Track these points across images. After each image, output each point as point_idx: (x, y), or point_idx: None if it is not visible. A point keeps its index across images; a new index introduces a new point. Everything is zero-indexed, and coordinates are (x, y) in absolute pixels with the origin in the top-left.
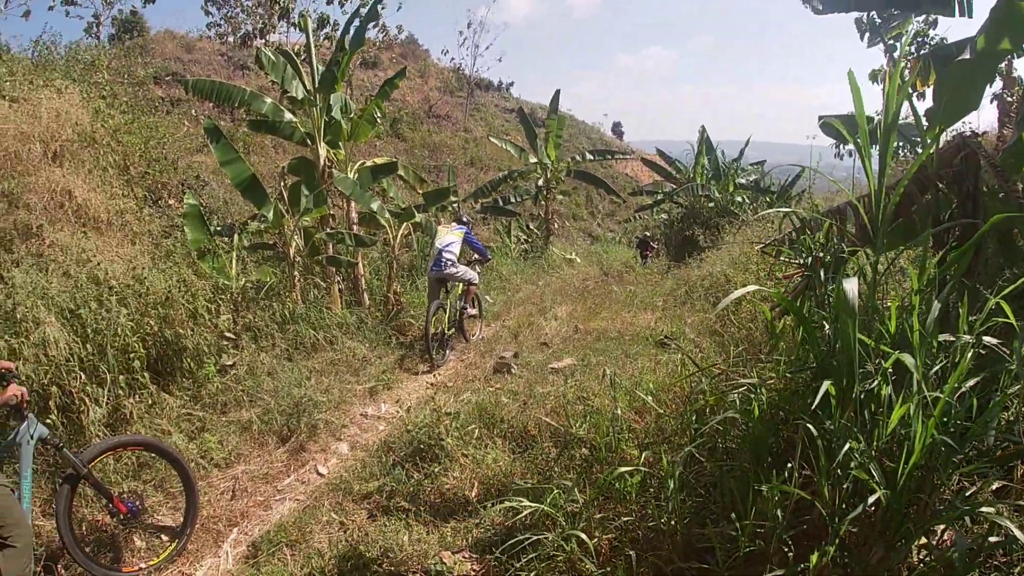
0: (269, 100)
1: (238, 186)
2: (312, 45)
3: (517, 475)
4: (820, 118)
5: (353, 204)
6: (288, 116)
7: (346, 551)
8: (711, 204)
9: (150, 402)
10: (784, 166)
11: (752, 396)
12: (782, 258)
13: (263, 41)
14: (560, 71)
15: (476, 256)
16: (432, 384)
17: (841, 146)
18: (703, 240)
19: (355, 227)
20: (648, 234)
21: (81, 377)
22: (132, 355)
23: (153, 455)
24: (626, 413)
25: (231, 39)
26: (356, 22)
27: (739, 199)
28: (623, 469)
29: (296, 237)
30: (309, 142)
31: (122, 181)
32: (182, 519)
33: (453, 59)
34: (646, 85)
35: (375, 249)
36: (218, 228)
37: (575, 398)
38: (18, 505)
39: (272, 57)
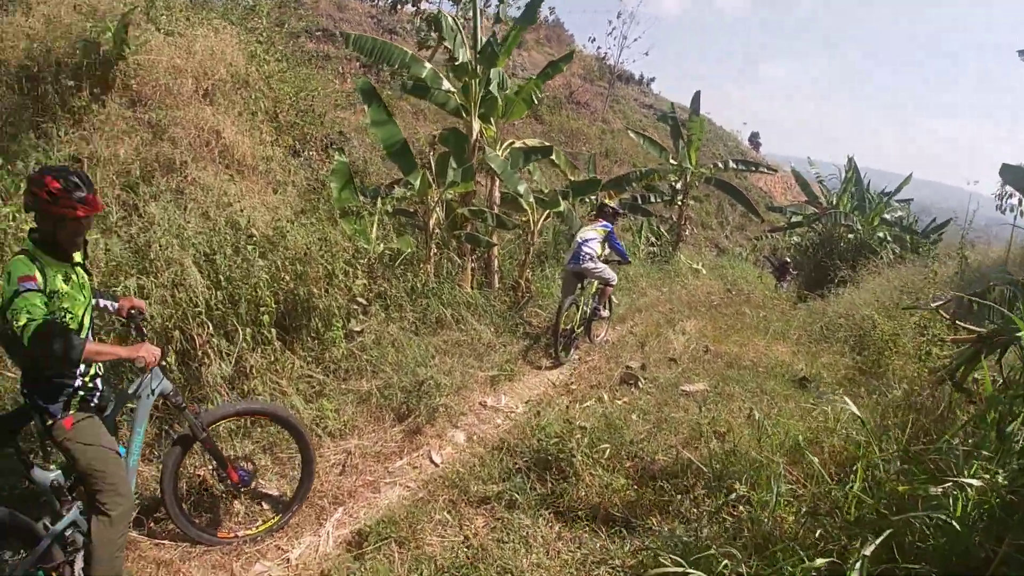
0: (429, 65)
1: (387, 149)
2: (478, 14)
3: (645, 505)
4: (1004, 166)
5: (497, 183)
6: (446, 84)
7: (461, 564)
8: (851, 236)
9: (271, 359)
10: (932, 206)
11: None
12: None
13: (414, 8)
14: (702, 71)
15: (615, 257)
16: (554, 384)
17: (1005, 198)
18: (841, 273)
19: (496, 207)
20: (789, 259)
21: (209, 326)
22: (263, 309)
23: (277, 426)
24: (788, 470)
25: (382, 3)
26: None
27: (881, 235)
28: (819, 563)
29: (438, 209)
30: (464, 114)
31: (271, 128)
32: (291, 493)
33: (599, 47)
34: (788, 96)
35: (510, 232)
36: (361, 189)
37: (711, 431)
38: (124, 473)
39: (452, 22)
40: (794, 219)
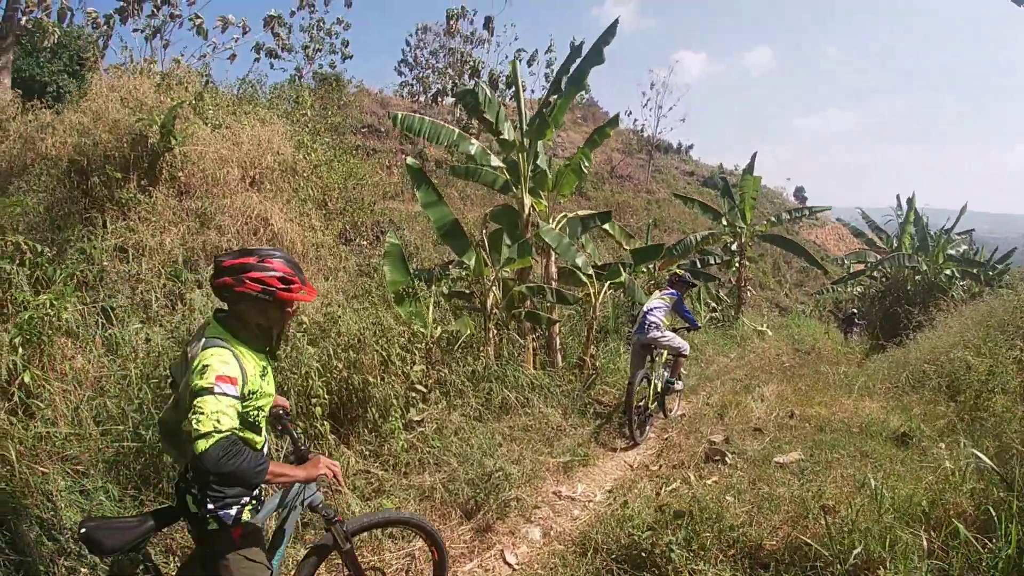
0: (476, 143)
1: (439, 230)
2: (520, 88)
3: None
4: None
5: (553, 258)
6: (495, 160)
7: None
8: (917, 277)
9: (327, 454)
10: (990, 237)
11: None
12: None
13: (453, 100)
14: (738, 134)
15: (684, 325)
16: (632, 466)
17: None
18: (912, 317)
19: (554, 282)
20: (855, 311)
21: None
22: (315, 400)
23: (414, 532)
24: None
25: (423, 98)
26: (576, 62)
27: (948, 272)
28: None
29: (495, 288)
30: (514, 189)
31: (320, 215)
32: None
33: (636, 119)
34: (827, 149)
35: (569, 307)
36: (416, 272)
37: (818, 506)
38: None
39: (488, 93)
40: (854, 268)
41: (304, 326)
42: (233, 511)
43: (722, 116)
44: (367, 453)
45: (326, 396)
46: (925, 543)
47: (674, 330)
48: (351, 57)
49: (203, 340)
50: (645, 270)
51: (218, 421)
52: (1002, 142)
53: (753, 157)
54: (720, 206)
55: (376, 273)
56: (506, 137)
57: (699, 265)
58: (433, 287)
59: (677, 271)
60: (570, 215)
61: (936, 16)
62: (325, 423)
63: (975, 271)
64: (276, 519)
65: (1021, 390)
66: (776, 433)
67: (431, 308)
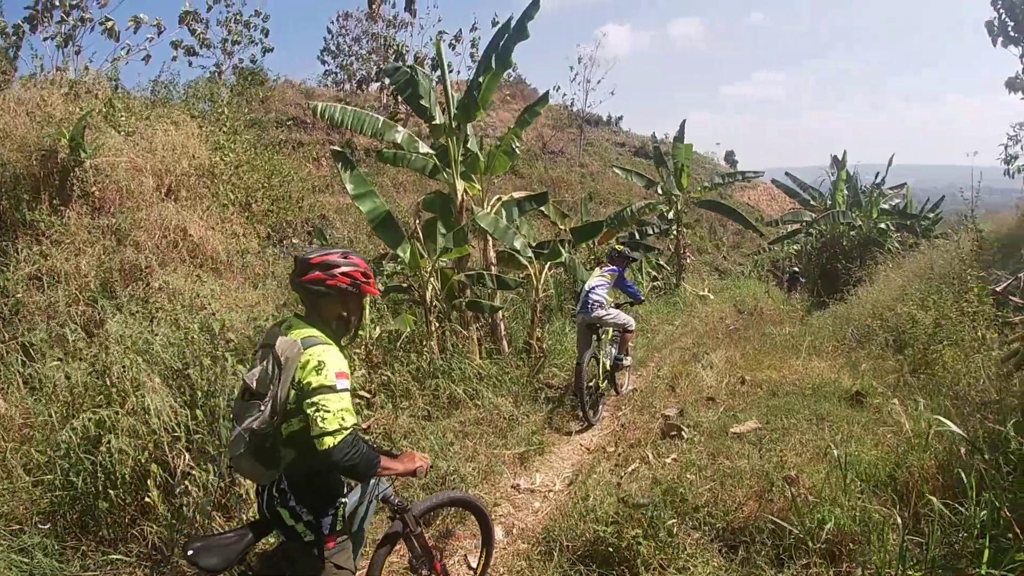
0: (403, 130)
1: (372, 222)
2: (446, 69)
3: None
4: (1014, 127)
5: (491, 243)
6: (423, 147)
7: None
8: (852, 232)
9: None
10: (921, 189)
11: None
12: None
13: (378, 85)
14: (667, 104)
15: (627, 300)
16: (589, 449)
17: (1012, 162)
18: (852, 273)
19: (493, 267)
20: (796, 269)
21: (186, 456)
22: None
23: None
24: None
25: (348, 86)
26: (502, 40)
27: (883, 226)
28: None
29: (433, 280)
30: (445, 174)
31: (243, 219)
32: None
33: (565, 94)
34: (758, 113)
35: (511, 292)
36: None
37: (780, 478)
38: None
39: (427, 73)
40: (792, 228)
41: (232, 344)
42: (329, 519)
43: (650, 87)
44: None
45: None
46: (899, 520)
47: (618, 306)
48: (271, 50)
49: (296, 340)
50: (586, 246)
51: (343, 418)
52: (932, 93)
53: (682, 125)
54: (655, 175)
55: None
56: (437, 121)
57: (638, 236)
58: None
59: (616, 246)
60: (505, 198)
61: None
62: None
63: (909, 223)
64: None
65: (971, 342)
66: (730, 401)
67: (367, 307)
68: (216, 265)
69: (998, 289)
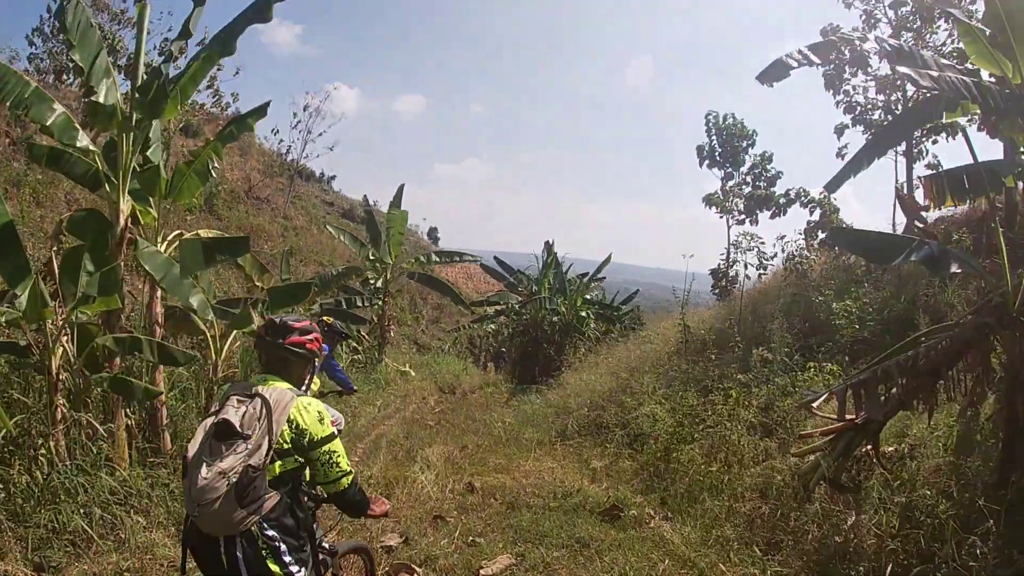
0: (60, 109)
1: None
2: (143, 38)
3: None
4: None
5: (158, 294)
6: (84, 140)
7: None
8: (555, 318)
9: None
10: (628, 285)
11: None
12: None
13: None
14: (381, 171)
15: (335, 388)
16: None
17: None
18: (552, 356)
19: (159, 329)
20: (504, 349)
21: None
22: None
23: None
24: None
25: (50, 78)
26: (236, 18)
27: (583, 314)
28: None
29: (65, 340)
30: (107, 185)
31: None
32: None
33: (282, 140)
34: (464, 195)
35: (182, 367)
36: None
37: None
38: None
39: (85, 12)
40: (497, 308)
41: None
42: (303, 561)
43: (368, 152)
44: None
45: None
46: None
47: (322, 395)
48: None
49: (286, 389)
50: (295, 310)
51: (347, 461)
52: (612, 196)
53: (400, 189)
54: (365, 240)
55: None
56: (100, 99)
57: (344, 305)
58: None
59: (326, 319)
60: (188, 235)
61: (572, 91)
62: None
63: (608, 312)
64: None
65: (708, 441)
66: (462, 519)
67: None
68: None
69: (813, 405)
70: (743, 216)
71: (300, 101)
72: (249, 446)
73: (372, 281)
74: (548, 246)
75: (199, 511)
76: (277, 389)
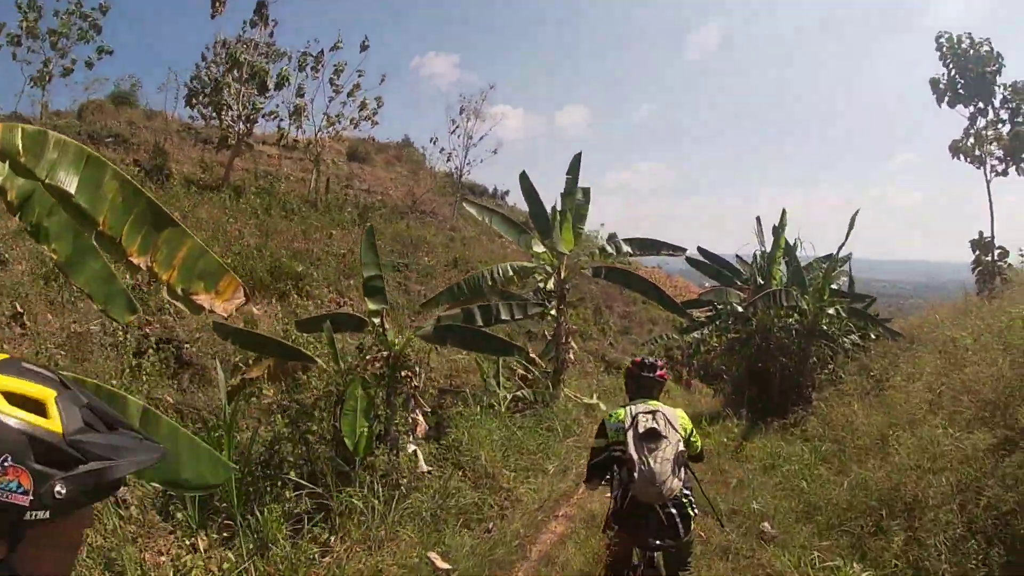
0: None
1: None
2: None
3: None
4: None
5: None
6: None
7: None
8: (791, 320)
9: None
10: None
11: None
12: None
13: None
14: (551, 183)
15: None
16: None
17: None
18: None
19: None
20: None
21: None
22: None
23: None
24: None
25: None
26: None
27: (832, 311)
28: None
29: None
30: None
31: None
32: None
33: (443, 148)
34: (640, 199)
35: None
36: None
37: None
38: None
39: None
40: (708, 314)
41: None
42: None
43: (533, 168)
44: None
45: None
46: None
47: None
48: (111, 52)
49: (668, 407)
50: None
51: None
52: (796, 182)
53: (577, 158)
54: (526, 225)
55: None
56: None
57: (491, 318)
58: None
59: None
60: None
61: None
62: None
63: (863, 307)
64: None
65: None
66: None
67: None
68: None
69: None
70: (1005, 164)
71: (456, 105)
72: (672, 440)
73: (540, 282)
74: (774, 226)
75: (657, 487)
76: (667, 408)
